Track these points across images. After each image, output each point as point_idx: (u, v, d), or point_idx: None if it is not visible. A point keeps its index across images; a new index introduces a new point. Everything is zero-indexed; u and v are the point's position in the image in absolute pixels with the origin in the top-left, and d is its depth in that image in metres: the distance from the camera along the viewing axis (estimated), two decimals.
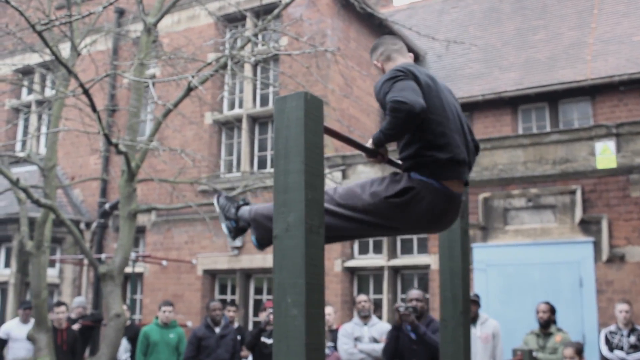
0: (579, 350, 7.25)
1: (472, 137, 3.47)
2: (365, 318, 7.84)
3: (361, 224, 3.14)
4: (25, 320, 9.61)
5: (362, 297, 8.05)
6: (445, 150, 3.13)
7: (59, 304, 9.84)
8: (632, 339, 8.05)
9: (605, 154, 9.60)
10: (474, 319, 7.97)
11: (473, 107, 13.33)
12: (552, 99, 12.85)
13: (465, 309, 4.18)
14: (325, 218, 2.84)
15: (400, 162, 3.41)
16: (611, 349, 8.11)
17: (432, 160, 3.10)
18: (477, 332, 7.81)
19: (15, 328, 9.58)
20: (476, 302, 7.92)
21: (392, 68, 3.24)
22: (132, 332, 10.12)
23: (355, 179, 11.24)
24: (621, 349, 8.05)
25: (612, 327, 8.30)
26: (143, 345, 9.05)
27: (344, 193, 3.18)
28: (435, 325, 7.10)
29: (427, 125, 3.10)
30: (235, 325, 9.75)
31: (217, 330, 8.84)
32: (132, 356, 10.03)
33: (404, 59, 3.52)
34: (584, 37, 13.76)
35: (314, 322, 2.53)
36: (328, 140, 11.65)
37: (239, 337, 9.26)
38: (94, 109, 7.01)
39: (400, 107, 2.93)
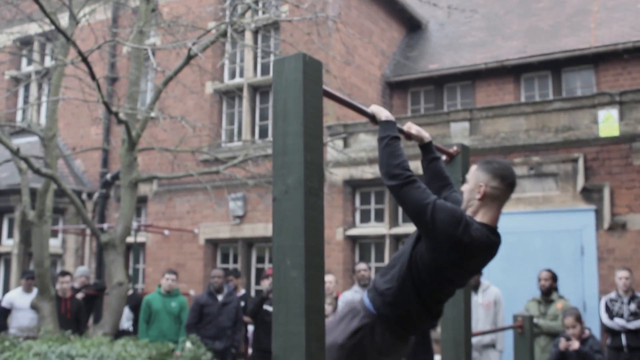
0: (579, 317, 7.28)
1: None
2: (365, 286, 7.88)
3: None
4: (28, 290, 9.66)
5: (361, 266, 8.09)
6: (428, 313, 3.12)
7: (64, 273, 9.90)
8: (633, 306, 8.08)
9: (608, 122, 9.55)
10: (475, 287, 8.00)
11: (475, 75, 13.24)
12: (555, 67, 12.75)
13: None
14: None
15: (401, 128, 3.36)
16: (611, 317, 8.14)
17: (408, 318, 3.09)
18: (479, 299, 7.84)
19: (18, 297, 9.63)
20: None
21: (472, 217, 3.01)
22: (134, 301, 10.19)
23: (357, 148, 11.21)
24: (621, 316, 8.08)
25: (613, 295, 8.32)
26: (145, 313, 9.11)
27: None
28: None
29: (434, 288, 3.05)
30: (242, 292, 9.77)
31: (220, 297, 8.89)
32: (135, 324, 10.11)
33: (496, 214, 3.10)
34: (588, 4, 13.61)
35: (314, 284, 2.53)
36: (329, 108, 11.60)
37: (242, 304, 9.31)
38: (93, 77, 6.97)
39: (397, 179, 2.91)
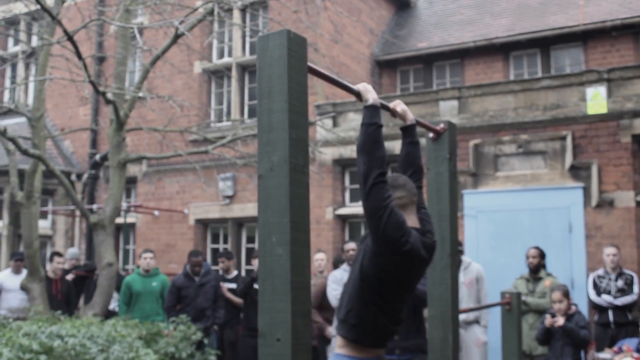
0: (566, 293, 7.35)
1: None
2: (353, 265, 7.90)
3: None
4: (17, 271, 9.66)
5: (349, 245, 8.11)
6: (388, 321, 3.19)
7: (58, 254, 9.90)
8: (620, 282, 8.15)
9: (596, 100, 9.57)
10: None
11: (464, 53, 13.23)
12: (544, 45, 12.75)
13: (453, 251, 4.21)
14: None
15: (387, 105, 3.38)
16: (599, 293, 8.21)
17: (376, 331, 3.16)
18: (461, 278, 7.88)
19: (8, 279, 9.63)
20: (459, 251, 7.97)
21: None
22: (119, 283, 10.18)
23: (346, 127, 11.20)
24: (609, 292, 8.16)
25: (600, 272, 8.39)
26: (125, 296, 9.07)
27: None
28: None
29: (390, 298, 3.16)
30: (234, 273, 9.72)
31: (197, 279, 8.88)
32: None
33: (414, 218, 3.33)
34: None
35: (299, 261, 2.54)
36: (318, 87, 11.57)
37: (223, 284, 9.27)
38: (79, 57, 6.92)
39: (370, 158, 2.98)
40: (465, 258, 8.06)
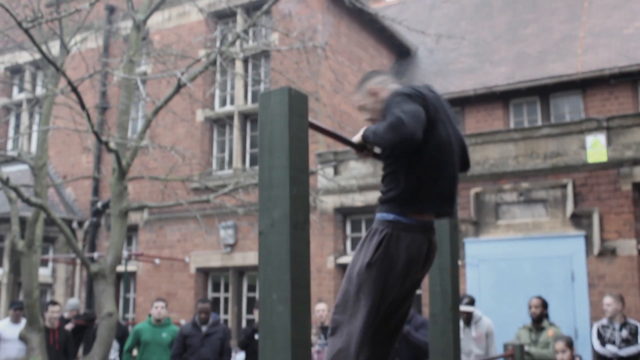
0: (570, 343, 7.27)
1: (463, 153, 3.40)
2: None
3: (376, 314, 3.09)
4: (16, 320, 9.57)
5: None
6: (430, 185, 3.12)
7: (53, 303, 9.81)
8: (624, 332, 8.06)
9: (596, 148, 9.61)
10: (467, 320, 7.94)
11: (464, 101, 13.33)
12: (543, 93, 12.86)
13: (455, 304, 4.18)
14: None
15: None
16: (603, 343, 8.12)
17: (412, 194, 3.09)
18: (472, 332, 7.79)
19: (6, 328, 9.54)
20: (472, 303, 7.89)
21: (408, 85, 3.16)
22: (120, 332, 10.05)
23: (347, 175, 11.22)
24: (613, 342, 8.06)
25: (604, 321, 8.30)
26: (131, 342, 8.93)
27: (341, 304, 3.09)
28: (418, 321, 7.07)
29: (422, 158, 3.08)
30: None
31: (204, 328, 8.79)
32: (121, 356, 9.98)
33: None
34: (575, 30, 13.77)
35: (300, 319, 2.52)
36: (320, 136, 11.64)
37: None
38: (82, 107, 6.98)
39: (400, 129, 2.88)
40: (476, 312, 7.98)
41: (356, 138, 3.19)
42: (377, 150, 3.29)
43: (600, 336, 8.19)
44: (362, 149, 3.22)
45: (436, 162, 3.13)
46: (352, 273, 3.11)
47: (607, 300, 8.19)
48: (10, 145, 15.74)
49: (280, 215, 2.56)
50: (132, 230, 13.35)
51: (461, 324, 7.53)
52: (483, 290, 9.87)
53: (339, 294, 3.15)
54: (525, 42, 14.11)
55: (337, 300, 3.16)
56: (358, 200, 11.00)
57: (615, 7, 13.97)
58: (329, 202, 11.21)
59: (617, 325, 8.13)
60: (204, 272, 12.79)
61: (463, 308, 7.61)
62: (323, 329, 8.59)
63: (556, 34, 13.95)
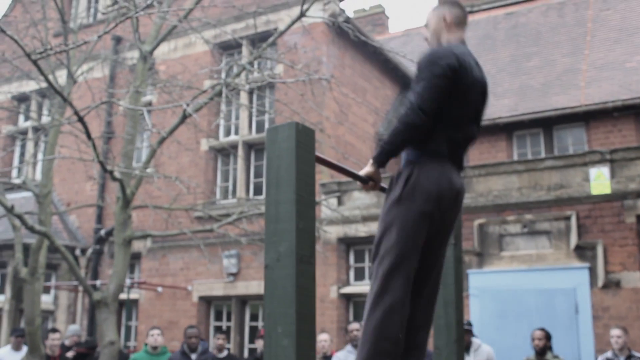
0: None
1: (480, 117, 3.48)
2: (357, 346, 7.78)
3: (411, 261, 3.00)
4: (17, 348, 9.54)
5: (354, 326, 8.02)
6: (454, 131, 3.15)
7: (54, 330, 9.78)
8: None
9: (600, 180, 9.63)
10: (467, 347, 7.92)
11: None
12: (547, 125, 12.91)
13: (459, 337, 4.17)
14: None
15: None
16: None
17: (435, 141, 3.10)
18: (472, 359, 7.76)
19: (7, 355, 9.50)
20: (469, 331, 7.89)
21: (443, 48, 3.20)
22: None
23: (351, 206, 11.24)
24: None
25: (609, 354, 8.25)
26: None
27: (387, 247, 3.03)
28: None
29: (448, 112, 3.10)
30: (224, 353, 9.53)
31: (193, 356, 8.73)
32: None
33: (459, 34, 3.43)
34: (578, 63, 13.86)
35: (305, 352, 2.53)
36: (324, 166, 11.67)
37: None
38: (88, 137, 7.03)
39: (416, 118, 2.94)
40: (475, 340, 7.96)
41: (364, 171, 3.21)
42: (383, 184, 3.31)
43: None
44: (367, 181, 3.24)
45: (460, 120, 3.18)
46: (383, 215, 3.06)
47: (617, 332, 8.14)
48: (15, 173, 15.81)
49: (286, 249, 2.58)
50: (135, 258, 13.34)
51: None
52: (486, 322, 9.83)
53: (375, 240, 3.11)
54: (528, 74, 14.21)
55: (372, 250, 3.14)
56: (361, 230, 11.01)
57: (617, 40, 14.08)
58: (333, 232, 11.22)
59: (622, 358, 8.08)
60: (207, 301, 12.76)
61: None
62: (325, 359, 8.55)
63: (559, 66, 14.05)
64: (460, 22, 3.43)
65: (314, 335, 2.59)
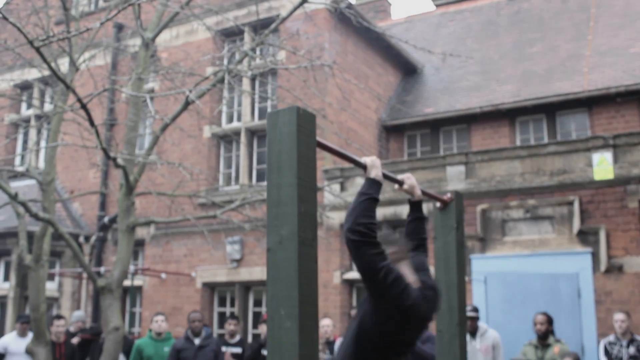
0: (576, 359, 7.26)
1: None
2: (347, 329, 7.80)
3: None
4: (22, 334, 9.59)
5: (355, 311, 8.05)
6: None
7: (58, 317, 9.83)
8: (632, 349, 8.05)
9: (603, 165, 9.63)
10: (473, 332, 7.97)
11: (471, 119, 13.38)
12: (550, 110, 12.90)
13: (462, 320, 4.20)
14: None
15: (395, 177, 3.44)
16: None
17: None
18: (477, 345, 7.81)
19: (13, 342, 9.55)
20: (475, 318, 7.92)
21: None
22: (126, 346, 10.05)
23: (353, 192, 11.26)
24: (620, 359, 8.05)
25: (611, 338, 8.29)
26: (134, 359, 8.96)
27: None
28: (424, 335, 7.07)
29: (391, 355, 3.21)
30: (237, 338, 9.62)
31: (197, 341, 8.77)
32: None
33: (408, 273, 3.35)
34: (581, 49, 13.82)
35: (308, 334, 2.55)
36: (326, 152, 11.68)
37: (227, 349, 9.16)
38: (91, 124, 7.05)
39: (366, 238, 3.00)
40: (481, 324, 8.01)
41: (365, 159, 3.26)
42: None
43: (607, 353, 8.17)
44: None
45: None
46: None
47: (620, 316, 8.17)
48: (18, 160, 15.85)
49: (288, 232, 2.60)
50: (139, 245, 13.39)
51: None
52: (489, 306, 9.87)
53: None
54: (531, 60, 14.17)
55: None
56: None
57: (621, 26, 14.03)
58: (335, 218, 11.25)
59: (624, 342, 8.12)
60: (210, 287, 12.81)
61: (467, 313, 7.63)
62: (328, 344, 8.60)
63: (562, 52, 14.01)
64: (401, 259, 3.36)
65: (316, 317, 2.62)
